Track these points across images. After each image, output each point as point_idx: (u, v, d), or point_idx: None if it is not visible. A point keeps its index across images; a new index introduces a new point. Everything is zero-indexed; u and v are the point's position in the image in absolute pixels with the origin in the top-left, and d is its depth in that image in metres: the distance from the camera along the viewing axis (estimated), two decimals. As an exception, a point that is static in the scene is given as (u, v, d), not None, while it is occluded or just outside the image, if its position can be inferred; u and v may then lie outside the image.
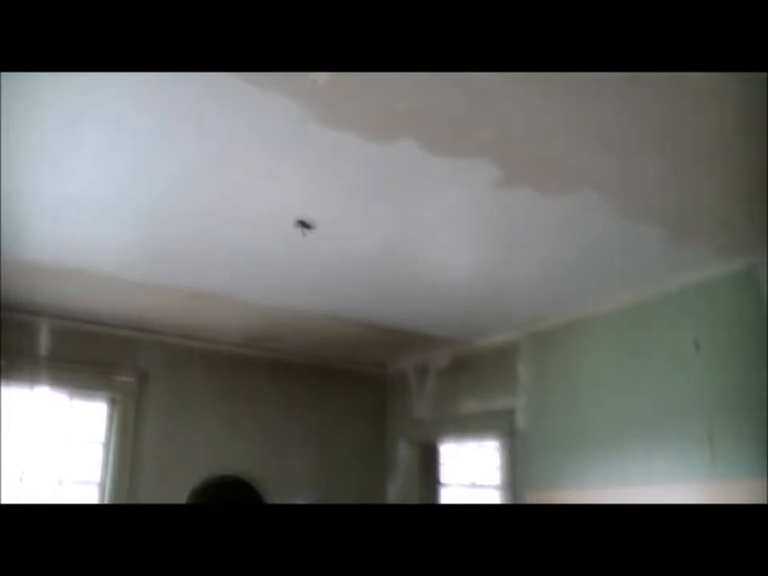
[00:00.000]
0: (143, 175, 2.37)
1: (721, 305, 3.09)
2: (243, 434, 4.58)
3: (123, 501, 4.05)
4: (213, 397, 4.53)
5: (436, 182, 2.39)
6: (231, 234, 2.86)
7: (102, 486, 4.08)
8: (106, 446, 4.15)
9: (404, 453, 4.94)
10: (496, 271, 3.24)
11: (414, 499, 4.72)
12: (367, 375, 5.22)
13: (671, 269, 3.14)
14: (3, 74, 1.75)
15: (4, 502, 3.65)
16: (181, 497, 4.62)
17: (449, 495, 4.75)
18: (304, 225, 2.73)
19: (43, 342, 3.99)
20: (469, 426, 4.43)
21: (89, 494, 4.05)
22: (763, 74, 1.74)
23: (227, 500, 1.92)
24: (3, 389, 3.81)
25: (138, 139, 2.14)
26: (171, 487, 4.21)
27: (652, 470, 3.22)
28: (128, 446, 4.15)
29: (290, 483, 4.63)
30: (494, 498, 4.27)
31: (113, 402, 4.21)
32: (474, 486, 4.60)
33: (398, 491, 4.91)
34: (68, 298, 3.73)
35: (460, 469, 4.75)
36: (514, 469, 4.01)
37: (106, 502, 4.05)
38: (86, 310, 3.93)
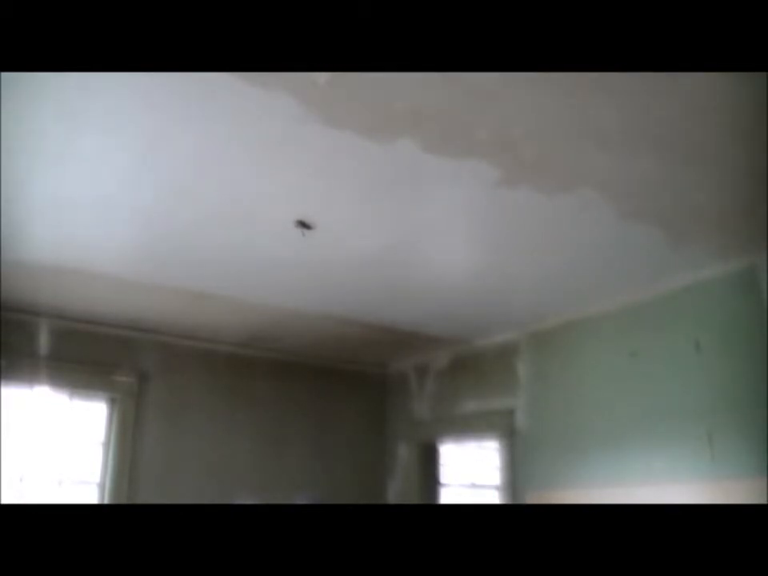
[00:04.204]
0: (143, 175, 2.37)
1: (721, 305, 3.09)
2: (243, 433, 4.58)
3: (123, 501, 4.05)
4: (213, 397, 4.54)
5: (436, 182, 2.39)
6: (231, 234, 2.86)
7: (101, 486, 4.08)
8: (106, 446, 4.15)
9: (404, 453, 4.94)
10: (496, 271, 3.24)
11: (414, 499, 4.72)
12: (367, 375, 5.22)
13: (671, 269, 3.14)
14: (3, 74, 1.75)
15: (4, 502, 3.66)
16: (180, 497, 4.62)
17: (449, 495, 4.75)
18: (304, 225, 2.73)
19: (43, 342, 3.99)
20: (469, 426, 4.43)
21: (89, 494, 4.05)
22: (763, 74, 1.74)
23: None
24: (3, 389, 3.81)
25: (138, 139, 2.14)
26: (171, 487, 4.22)
27: (652, 469, 3.22)
28: (128, 446, 4.15)
29: (289, 483, 4.64)
30: (493, 498, 4.27)
31: (113, 402, 4.21)
32: (473, 486, 4.60)
33: (398, 491, 4.91)
34: (68, 298, 3.73)
35: (460, 469, 4.75)
36: (514, 469, 4.01)
37: (105, 502, 4.05)
38: (86, 309, 3.93)
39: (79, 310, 3.94)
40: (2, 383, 3.80)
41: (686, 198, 2.46)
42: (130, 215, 2.69)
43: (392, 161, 2.24)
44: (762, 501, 2.72)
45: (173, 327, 4.29)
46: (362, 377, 5.20)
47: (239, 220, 2.72)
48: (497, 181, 2.36)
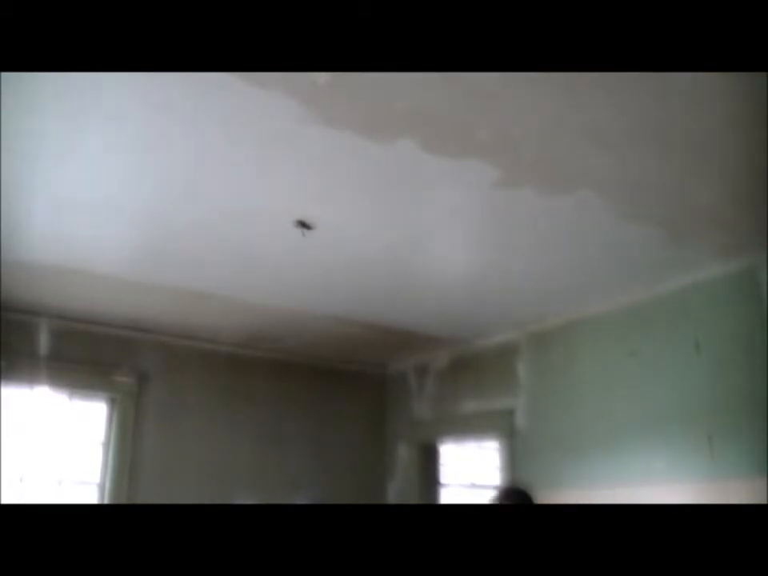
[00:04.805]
0: (143, 175, 2.37)
1: (721, 305, 3.09)
2: (243, 433, 4.58)
3: (123, 501, 4.05)
4: (213, 397, 4.53)
5: (436, 182, 2.39)
6: (231, 234, 2.86)
7: (101, 486, 4.08)
8: (106, 446, 4.15)
9: (404, 453, 4.94)
10: (496, 271, 3.24)
11: (414, 499, 4.72)
12: (367, 375, 5.22)
13: (671, 269, 3.14)
14: (3, 73, 1.75)
15: (4, 502, 3.65)
16: (180, 497, 4.62)
17: (449, 495, 4.74)
18: (304, 225, 2.73)
19: (43, 342, 3.99)
20: (469, 426, 4.43)
21: (88, 495, 4.05)
22: (763, 74, 1.74)
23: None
24: (3, 389, 3.81)
25: (138, 139, 2.14)
26: (171, 487, 4.21)
27: (652, 469, 3.22)
28: (128, 446, 4.15)
29: (289, 483, 4.64)
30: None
31: (113, 402, 4.21)
32: (473, 486, 4.60)
33: (397, 491, 4.91)
34: (68, 298, 3.73)
35: (460, 469, 4.75)
36: (514, 469, 4.01)
37: (105, 502, 4.05)
38: (86, 309, 3.93)
39: (79, 310, 3.94)
40: (2, 383, 3.80)
41: (686, 197, 2.46)
42: (130, 215, 2.69)
43: (392, 161, 2.24)
44: (762, 501, 2.71)
45: (173, 327, 4.29)
46: (362, 377, 5.20)
47: (239, 220, 2.72)
48: (497, 181, 2.36)
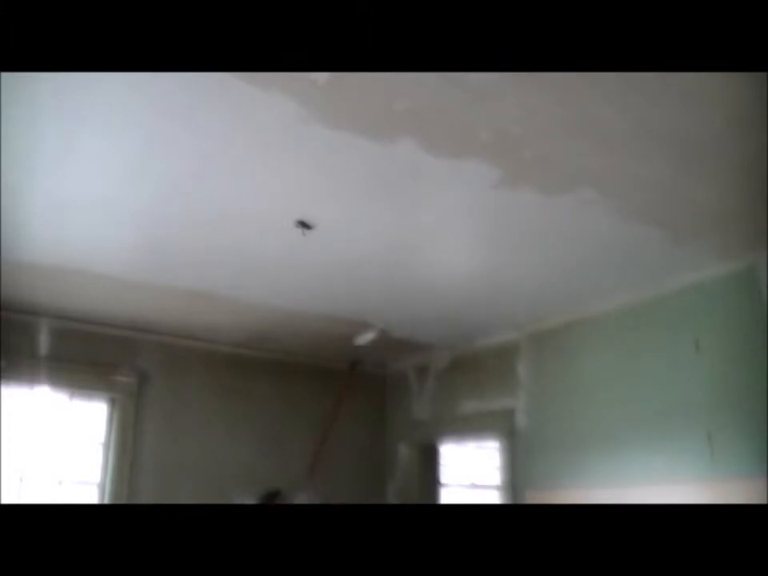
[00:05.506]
0: (143, 176, 2.37)
1: (721, 305, 3.09)
2: (243, 434, 4.58)
3: (123, 501, 4.05)
4: (213, 397, 4.53)
5: (436, 182, 2.39)
6: (231, 234, 2.86)
7: (101, 486, 4.08)
8: (106, 446, 4.15)
9: (404, 453, 4.94)
10: (496, 271, 3.24)
11: (414, 499, 4.72)
12: (367, 375, 5.22)
13: (671, 269, 3.14)
14: (3, 74, 1.75)
15: (4, 502, 3.65)
16: (180, 497, 4.61)
17: (449, 495, 4.74)
18: (304, 225, 2.73)
19: (43, 341, 3.99)
20: (469, 426, 4.43)
21: (88, 495, 4.05)
22: (763, 74, 1.74)
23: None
24: (3, 389, 3.81)
25: (138, 140, 2.14)
26: (171, 487, 4.21)
27: (652, 469, 3.22)
28: (128, 447, 4.15)
29: (289, 483, 4.64)
30: (493, 498, 4.27)
31: (113, 402, 4.21)
32: (473, 486, 4.60)
33: (398, 491, 4.91)
34: (68, 298, 3.73)
35: (460, 469, 4.75)
36: (514, 469, 4.01)
37: (105, 502, 4.05)
38: (86, 310, 3.93)
39: (79, 310, 3.94)
40: (2, 383, 3.80)
41: (686, 197, 2.46)
42: (130, 215, 2.69)
43: (392, 161, 2.24)
44: (762, 501, 2.71)
45: (173, 327, 4.29)
46: (362, 377, 5.20)
47: (239, 220, 2.72)
48: (497, 181, 2.36)
